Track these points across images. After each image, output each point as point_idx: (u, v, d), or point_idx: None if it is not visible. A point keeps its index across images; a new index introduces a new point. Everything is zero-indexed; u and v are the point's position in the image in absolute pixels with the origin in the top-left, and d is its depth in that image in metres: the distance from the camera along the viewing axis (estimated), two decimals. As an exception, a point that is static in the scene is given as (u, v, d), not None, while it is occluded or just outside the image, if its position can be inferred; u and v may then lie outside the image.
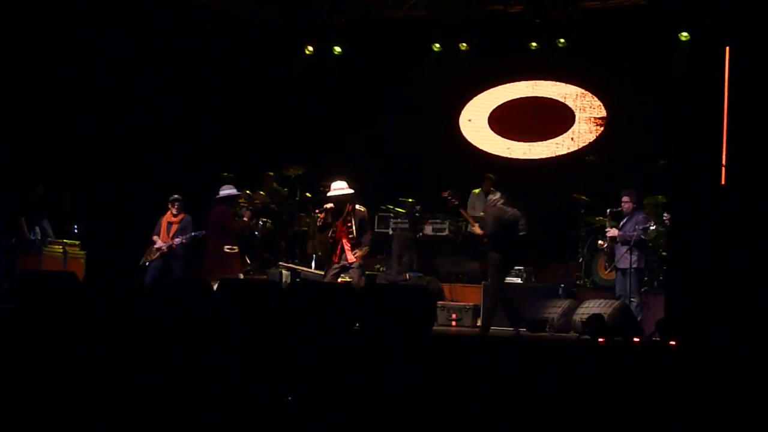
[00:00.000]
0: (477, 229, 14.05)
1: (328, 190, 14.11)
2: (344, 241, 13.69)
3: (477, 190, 17.74)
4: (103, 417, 8.90)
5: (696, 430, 7.91)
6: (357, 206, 13.91)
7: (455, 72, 19.01)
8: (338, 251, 13.76)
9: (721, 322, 9.12)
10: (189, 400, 9.09)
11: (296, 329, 9.67)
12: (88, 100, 16.75)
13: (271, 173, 18.11)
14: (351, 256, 13.65)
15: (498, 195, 14.17)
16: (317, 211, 14.20)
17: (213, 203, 14.67)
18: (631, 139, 17.34)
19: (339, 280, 13.71)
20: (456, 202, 14.75)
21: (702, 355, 8.60)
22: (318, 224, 14.11)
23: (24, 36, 15.96)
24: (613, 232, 14.07)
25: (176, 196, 15.41)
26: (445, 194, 14.68)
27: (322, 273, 14.62)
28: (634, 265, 13.82)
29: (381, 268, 17.05)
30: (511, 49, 18.42)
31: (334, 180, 14.09)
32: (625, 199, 14.14)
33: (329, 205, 13.81)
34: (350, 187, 13.88)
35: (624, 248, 13.83)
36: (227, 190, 14.74)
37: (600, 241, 14.70)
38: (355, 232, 13.68)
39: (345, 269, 13.70)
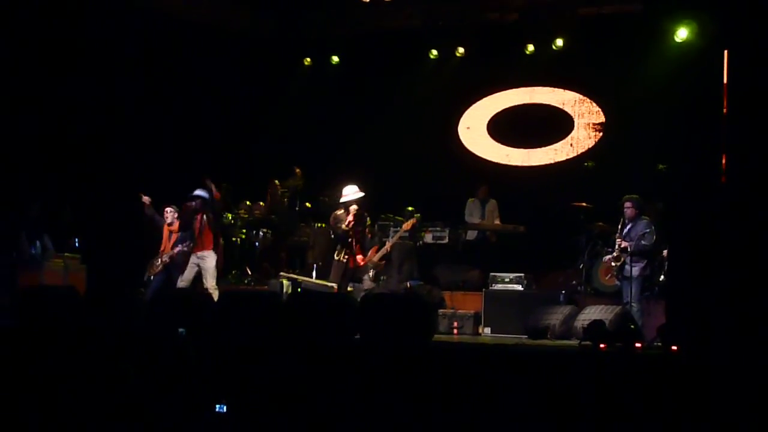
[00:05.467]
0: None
1: (333, 199, 14.21)
2: (357, 246, 14.13)
3: (472, 199, 17.80)
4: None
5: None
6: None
7: (453, 80, 19.03)
8: (356, 255, 14.17)
9: (723, 327, 9.10)
10: (190, 413, 9.09)
11: (297, 339, 9.65)
12: (86, 113, 16.73)
13: (277, 181, 18.12)
14: (373, 256, 14.58)
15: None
16: (346, 215, 14.16)
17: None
18: (630, 144, 17.32)
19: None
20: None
21: (704, 360, 8.59)
22: (346, 227, 14.11)
23: (23, 51, 15.96)
24: (625, 243, 13.95)
25: (172, 206, 15.35)
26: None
27: (324, 283, 14.69)
28: (645, 273, 13.89)
29: (382, 277, 17.04)
30: (508, 57, 18.47)
31: (345, 185, 14.37)
32: (627, 205, 14.04)
33: (354, 208, 14.04)
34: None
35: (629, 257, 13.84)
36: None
37: (612, 262, 14.32)
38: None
39: (363, 272, 14.52)
